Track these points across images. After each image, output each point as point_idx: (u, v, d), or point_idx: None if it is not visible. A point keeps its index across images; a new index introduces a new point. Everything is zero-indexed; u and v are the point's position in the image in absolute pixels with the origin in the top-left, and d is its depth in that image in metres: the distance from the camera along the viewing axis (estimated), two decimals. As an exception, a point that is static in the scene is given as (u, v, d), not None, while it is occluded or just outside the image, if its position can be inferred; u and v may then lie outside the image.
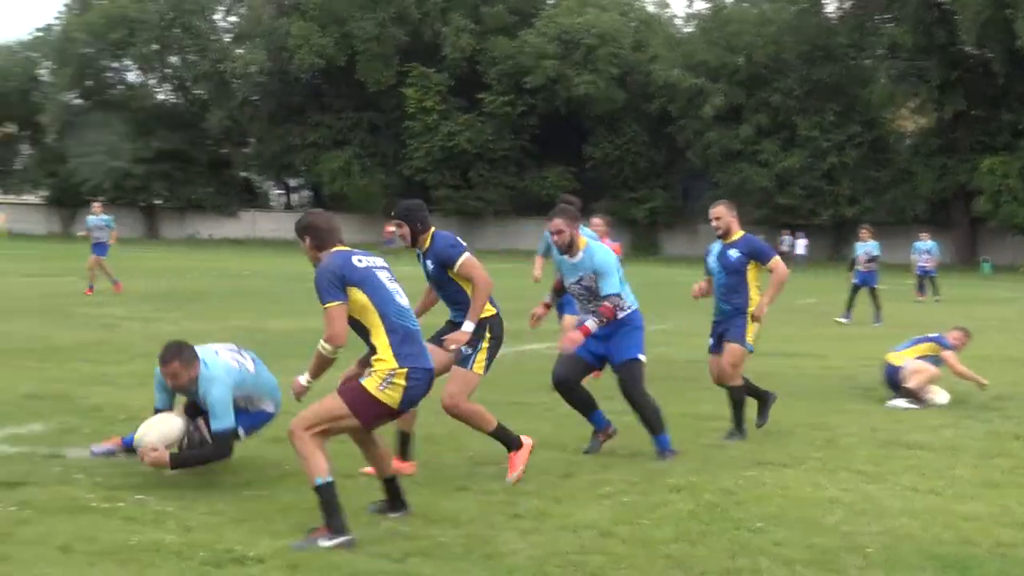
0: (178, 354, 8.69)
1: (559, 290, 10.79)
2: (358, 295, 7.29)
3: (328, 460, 7.27)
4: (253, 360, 9.20)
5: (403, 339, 7.33)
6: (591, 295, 10.08)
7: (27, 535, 7.17)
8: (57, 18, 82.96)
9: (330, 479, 7.21)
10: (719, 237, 11.51)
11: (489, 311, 9.25)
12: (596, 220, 15.82)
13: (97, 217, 30.01)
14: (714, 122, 66.93)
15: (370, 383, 7.27)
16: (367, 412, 7.30)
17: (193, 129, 78.86)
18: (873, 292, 27.22)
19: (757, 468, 9.80)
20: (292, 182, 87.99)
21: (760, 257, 11.20)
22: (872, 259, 27.60)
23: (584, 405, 10.39)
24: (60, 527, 7.30)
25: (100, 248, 29.21)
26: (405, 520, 7.80)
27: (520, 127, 71.77)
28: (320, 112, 75.48)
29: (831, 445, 10.99)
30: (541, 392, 13.72)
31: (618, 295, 9.94)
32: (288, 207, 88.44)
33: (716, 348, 11.51)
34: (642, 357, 10.22)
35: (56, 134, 78.78)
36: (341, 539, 7.10)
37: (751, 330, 11.21)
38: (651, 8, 77.16)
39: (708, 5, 72.25)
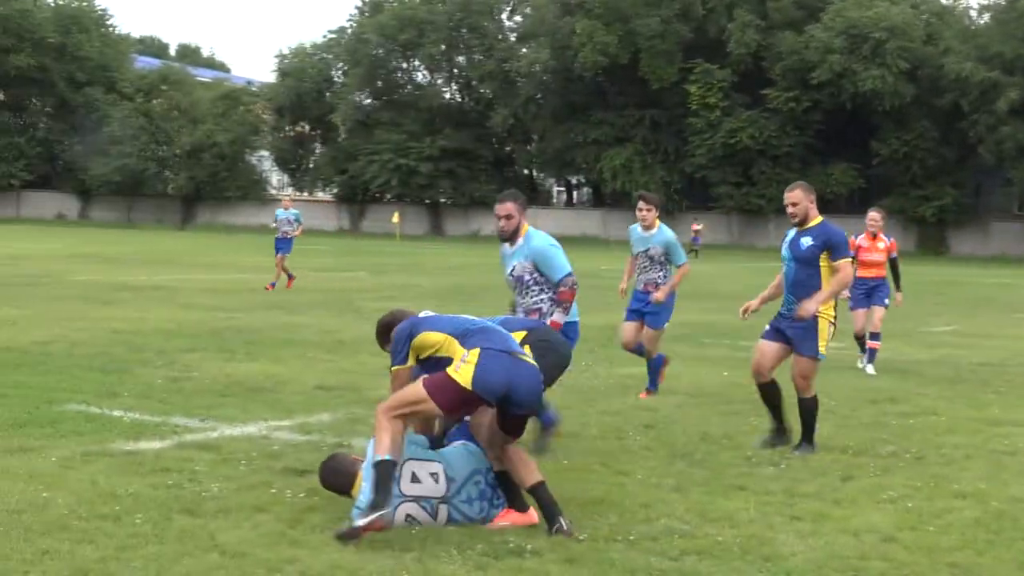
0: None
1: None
2: (433, 336, 7.53)
3: (398, 442, 7.32)
4: None
5: (468, 336, 7.44)
6: (521, 286, 9.61)
7: (315, 521, 7.44)
8: (349, 20, 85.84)
9: (388, 457, 7.23)
10: (795, 225, 10.25)
11: None
12: (873, 214, 16.46)
13: (286, 211, 29.73)
14: (1009, 116, 64.41)
15: (450, 368, 7.29)
16: (441, 394, 7.24)
17: (478, 127, 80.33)
18: None
19: (1050, 477, 9.40)
20: (573, 180, 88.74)
21: (833, 250, 9.96)
22: None
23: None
24: (347, 514, 7.55)
25: (285, 244, 28.86)
26: (682, 518, 7.78)
27: (804, 123, 70.61)
28: (603, 109, 75.86)
29: None
30: (820, 393, 13.50)
31: (570, 274, 9.46)
32: (569, 204, 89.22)
33: (770, 336, 10.28)
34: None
35: (347, 133, 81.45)
36: (375, 515, 7.03)
37: (823, 337, 10.04)
38: (944, 0, 74.79)
39: (1004, -5, 69.58)
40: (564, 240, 42.44)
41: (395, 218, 70.91)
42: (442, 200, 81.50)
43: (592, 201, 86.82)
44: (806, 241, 10.11)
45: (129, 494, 7.85)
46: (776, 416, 10.37)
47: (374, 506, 7.07)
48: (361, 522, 6.98)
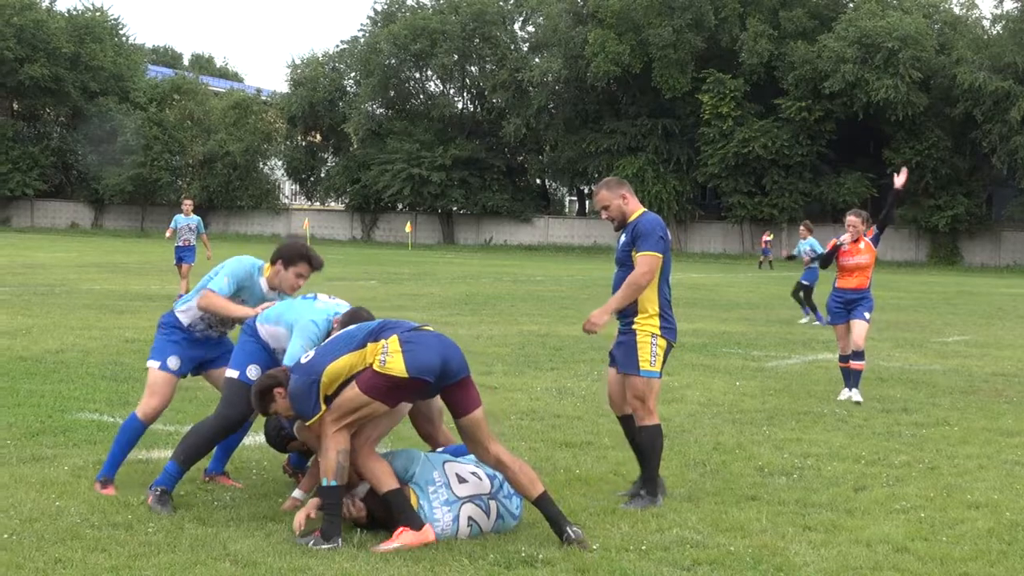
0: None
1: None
2: (339, 363, 7.38)
3: (344, 465, 7.21)
4: None
5: (372, 335, 7.34)
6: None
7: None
8: (361, 30, 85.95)
9: (335, 483, 7.20)
10: (616, 229, 8.93)
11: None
12: (851, 218, 14.27)
13: (187, 218, 27.25)
14: (1022, 126, 64.28)
15: (375, 365, 7.14)
16: (380, 391, 7.15)
17: (490, 137, 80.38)
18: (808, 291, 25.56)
19: (1064, 488, 9.37)
20: (586, 189, 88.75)
21: (638, 240, 8.65)
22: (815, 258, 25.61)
23: None
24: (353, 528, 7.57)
25: (188, 253, 26.94)
26: (695, 528, 7.78)
27: (817, 133, 70.50)
28: (615, 119, 75.85)
29: None
30: (833, 402, 13.50)
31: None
32: (581, 213, 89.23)
33: (611, 361, 9.02)
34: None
35: (359, 143, 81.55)
36: (328, 545, 7.06)
37: (645, 351, 8.63)
38: (957, 10, 74.69)
39: (1017, 5, 69.43)
40: (576, 249, 42.70)
41: (408, 228, 71.19)
42: (454, 209, 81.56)
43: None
44: (622, 239, 8.80)
45: (141, 503, 7.88)
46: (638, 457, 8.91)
47: (328, 537, 7.12)
48: (317, 548, 7.04)
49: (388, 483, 7.33)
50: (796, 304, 26.32)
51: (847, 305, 14.13)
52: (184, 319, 8.59)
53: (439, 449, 8.06)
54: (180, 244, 27.10)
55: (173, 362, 8.49)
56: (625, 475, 9.35)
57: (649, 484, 8.52)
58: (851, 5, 73.55)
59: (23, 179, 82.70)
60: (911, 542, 7.58)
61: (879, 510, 8.45)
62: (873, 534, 7.75)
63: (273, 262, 8.61)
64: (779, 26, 71.97)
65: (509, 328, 21.19)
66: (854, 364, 13.89)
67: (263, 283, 8.62)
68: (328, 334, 7.91)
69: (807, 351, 19.34)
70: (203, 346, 8.66)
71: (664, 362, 8.71)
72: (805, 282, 25.79)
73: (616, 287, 8.70)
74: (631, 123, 74.97)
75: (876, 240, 14.12)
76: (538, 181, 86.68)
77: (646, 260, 8.51)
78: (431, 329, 7.44)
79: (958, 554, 7.35)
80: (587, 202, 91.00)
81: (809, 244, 26.87)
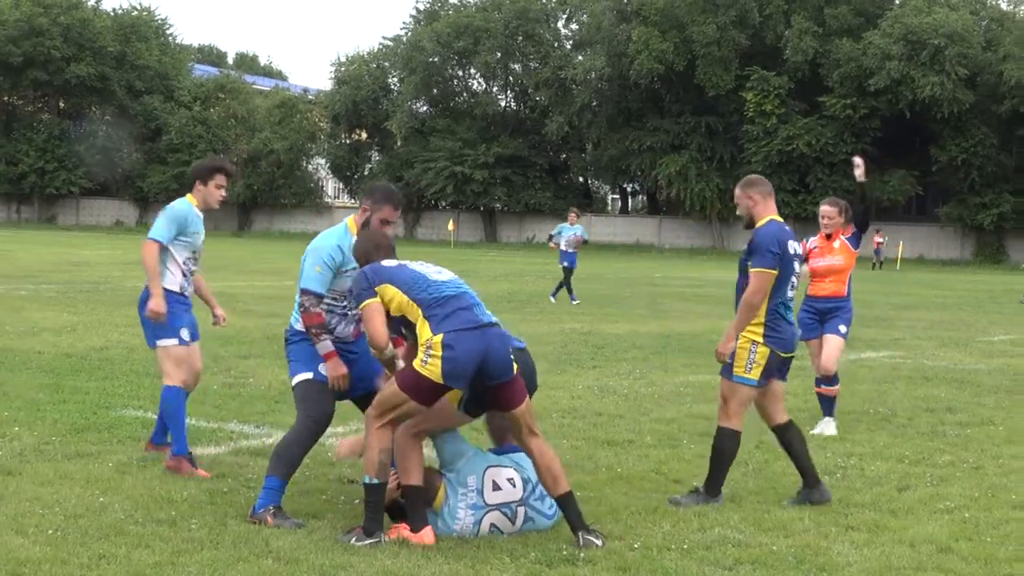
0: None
1: None
2: (389, 290, 7.27)
3: (386, 462, 7.19)
4: None
5: (432, 308, 7.18)
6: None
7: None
8: (404, 28, 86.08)
9: (377, 481, 7.16)
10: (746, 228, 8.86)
11: None
12: (825, 208, 12.10)
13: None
14: (1069, 123, 63.72)
15: (416, 361, 7.11)
16: (417, 391, 7.10)
17: (533, 135, 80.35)
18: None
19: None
20: (628, 187, 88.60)
21: (750, 254, 8.65)
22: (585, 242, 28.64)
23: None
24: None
25: None
26: (737, 527, 7.75)
27: (861, 130, 70.07)
28: (658, 117, 75.67)
29: None
30: (876, 402, 13.42)
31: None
32: (624, 211, 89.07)
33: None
34: None
35: (403, 141, 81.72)
36: (370, 541, 7.05)
37: (742, 358, 8.60)
38: (1004, 6, 74.09)
39: (1065, 1, 68.84)
40: (618, 248, 42.60)
41: (451, 226, 71.29)
42: (497, 207, 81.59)
43: (647, 208, 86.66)
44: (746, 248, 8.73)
45: (185, 499, 7.93)
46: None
47: (369, 533, 7.12)
48: (359, 544, 7.04)
49: (414, 478, 7.34)
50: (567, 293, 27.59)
51: (820, 316, 11.92)
52: None
53: (492, 449, 8.02)
54: None
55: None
56: (667, 473, 9.33)
57: (710, 485, 8.47)
58: (897, 2, 73.11)
59: (69, 177, 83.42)
60: (955, 542, 7.52)
61: (923, 510, 8.39)
62: (916, 534, 7.70)
63: (192, 186, 9.20)
64: (824, 23, 71.59)
65: (551, 326, 21.19)
66: (826, 390, 11.86)
67: (197, 211, 9.14)
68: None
69: (850, 350, 19.22)
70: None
71: (769, 372, 8.55)
72: (565, 263, 27.92)
73: (738, 292, 8.66)
74: (674, 121, 74.77)
75: (855, 241, 11.94)
76: (580, 179, 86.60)
77: (757, 278, 8.39)
78: (492, 325, 7.25)
79: (1003, 555, 7.29)
80: (629, 200, 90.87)
81: (575, 231, 28.13)
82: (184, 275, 9.11)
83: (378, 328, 7.25)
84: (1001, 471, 9.80)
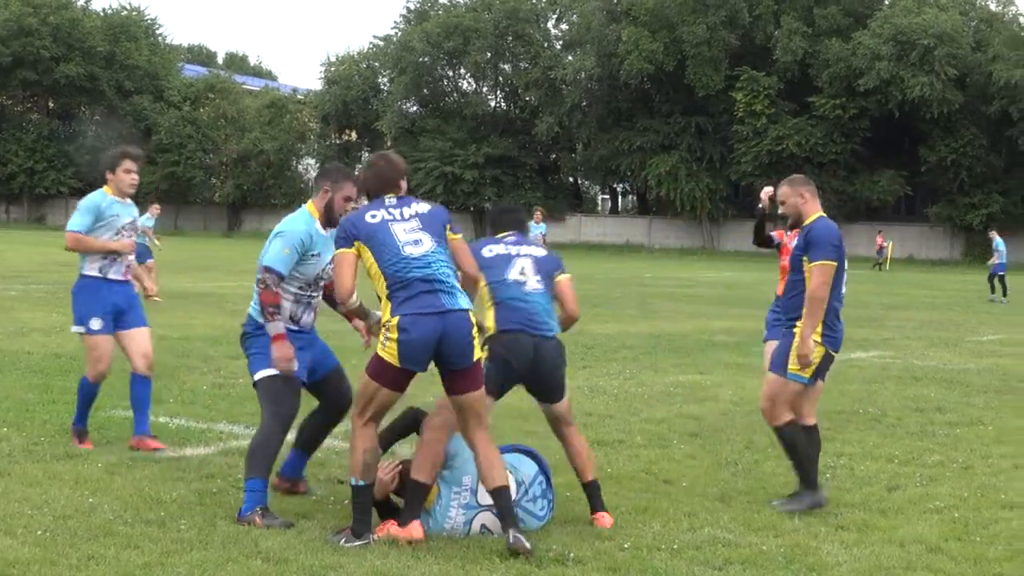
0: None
1: None
2: (365, 253, 7.26)
3: (371, 463, 7.14)
4: None
5: (396, 289, 7.13)
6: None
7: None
8: (394, 28, 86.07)
9: (363, 483, 7.12)
10: (790, 228, 9.15)
11: None
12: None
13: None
14: (1058, 124, 63.87)
15: (379, 345, 7.11)
16: (384, 376, 7.10)
17: (523, 135, 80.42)
18: None
19: (1100, 488, 9.30)
20: (618, 187, 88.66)
21: (808, 249, 8.56)
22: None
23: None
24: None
25: (148, 252, 26.61)
26: (727, 527, 7.75)
27: (851, 130, 70.21)
28: (648, 117, 75.75)
29: None
30: (866, 402, 13.43)
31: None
32: (613, 212, 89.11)
33: None
34: None
35: (393, 141, 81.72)
36: (359, 542, 7.01)
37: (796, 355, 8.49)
38: (993, 6, 74.27)
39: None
40: (608, 248, 42.59)
41: None
42: (487, 207, 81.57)
43: (637, 209, 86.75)
44: (794, 242, 8.88)
45: (174, 500, 7.91)
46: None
47: (358, 534, 7.07)
48: (347, 545, 7.00)
49: (424, 475, 7.31)
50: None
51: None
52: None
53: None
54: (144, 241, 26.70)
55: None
56: (657, 473, 9.33)
57: (804, 482, 8.39)
58: (886, 2, 73.30)
59: (58, 177, 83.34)
60: (944, 542, 7.53)
61: (912, 510, 8.40)
62: (906, 534, 7.71)
63: (104, 177, 9.74)
64: (813, 23, 71.72)
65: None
66: None
67: (114, 199, 9.68)
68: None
69: (841, 350, 19.24)
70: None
71: (819, 371, 8.51)
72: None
73: (786, 291, 8.73)
74: (664, 121, 74.85)
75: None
76: (570, 179, 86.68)
77: (821, 270, 8.31)
78: (453, 309, 7.09)
79: (992, 555, 7.30)
80: (619, 200, 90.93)
81: (539, 229, 27.73)
82: (105, 258, 9.66)
83: (345, 279, 7.25)
84: (990, 471, 9.81)
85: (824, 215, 8.68)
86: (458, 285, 7.24)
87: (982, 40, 69.47)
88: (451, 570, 6.68)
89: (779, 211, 8.91)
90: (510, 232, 8.36)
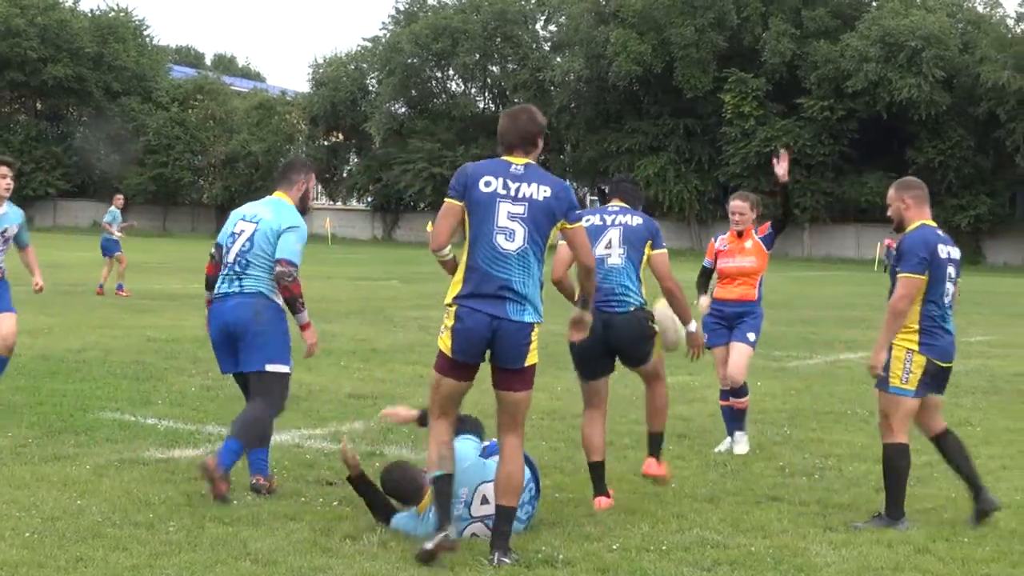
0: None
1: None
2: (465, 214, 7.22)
3: (446, 454, 7.08)
4: None
5: (468, 260, 7.10)
6: None
7: (347, 530, 7.45)
8: (383, 29, 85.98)
9: (439, 473, 7.03)
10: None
11: None
12: (736, 203, 11.49)
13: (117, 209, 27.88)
14: (1046, 126, 63.98)
15: (440, 335, 7.11)
16: (440, 365, 7.07)
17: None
18: None
19: (1087, 489, 9.32)
20: (607, 189, 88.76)
21: (897, 258, 8.38)
22: None
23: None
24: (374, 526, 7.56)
25: (114, 245, 27.16)
26: (715, 528, 7.76)
27: (839, 132, 70.30)
28: (636, 118, 75.79)
29: None
30: (855, 403, 13.44)
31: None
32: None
33: None
34: None
35: (381, 142, 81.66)
36: (441, 536, 6.87)
37: (897, 367, 8.19)
38: (981, 8, 74.42)
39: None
40: (597, 249, 41.24)
41: (429, 227, 71.38)
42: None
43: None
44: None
45: (162, 502, 7.90)
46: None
47: (439, 527, 6.97)
48: (430, 545, 6.85)
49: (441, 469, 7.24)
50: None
51: (728, 321, 10.86)
52: None
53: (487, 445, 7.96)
54: (114, 236, 27.20)
55: None
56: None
57: (891, 507, 8.12)
58: (874, 4, 73.40)
59: (46, 179, 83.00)
60: (932, 543, 7.55)
61: (900, 511, 8.41)
62: (894, 535, 7.72)
63: None
64: (801, 25, 71.80)
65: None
66: (735, 402, 10.70)
67: None
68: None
69: (829, 351, 19.30)
70: None
71: (927, 383, 8.14)
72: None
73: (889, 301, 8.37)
74: (653, 122, 74.89)
75: (769, 241, 11.12)
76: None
77: (903, 283, 8.09)
78: (507, 303, 7.04)
79: (980, 555, 7.32)
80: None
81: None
82: None
83: (442, 229, 7.25)
84: (979, 472, 9.82)
85: (928, 223, 8.41)
86: (530, 294, 7.16)
87: (969, 42, 69.59)
88: (440, 572, 6.68)
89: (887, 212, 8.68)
90: (618, 203, 8.97)
